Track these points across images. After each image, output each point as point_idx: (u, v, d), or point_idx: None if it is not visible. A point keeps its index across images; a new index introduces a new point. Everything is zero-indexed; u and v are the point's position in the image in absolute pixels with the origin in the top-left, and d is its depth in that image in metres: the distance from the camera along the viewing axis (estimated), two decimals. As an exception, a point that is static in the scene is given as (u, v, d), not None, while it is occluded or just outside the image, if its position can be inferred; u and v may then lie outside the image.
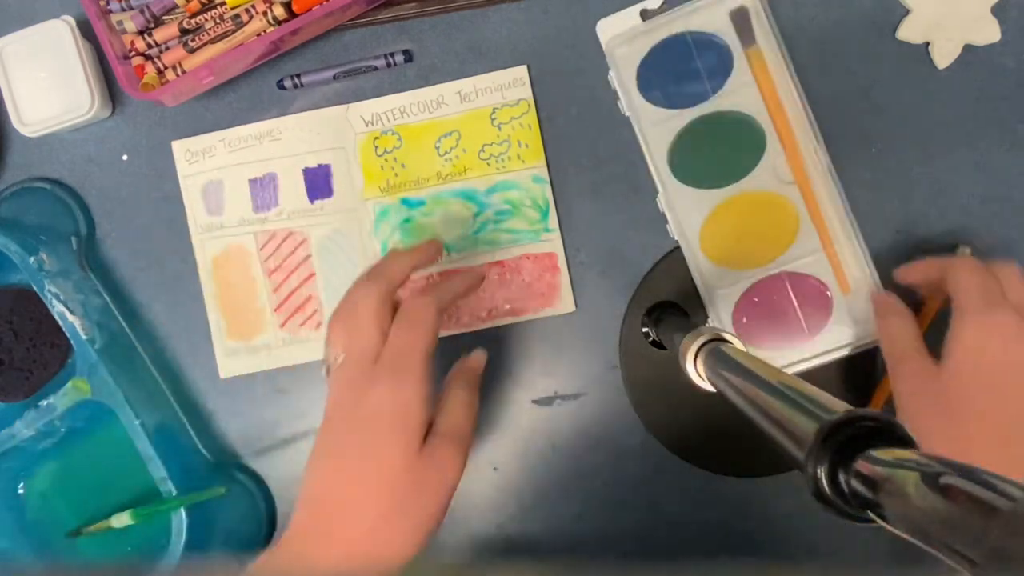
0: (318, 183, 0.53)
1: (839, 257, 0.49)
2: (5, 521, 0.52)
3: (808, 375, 0.50)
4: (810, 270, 0.50)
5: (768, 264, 0.50)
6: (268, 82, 0.53)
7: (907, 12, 0.50)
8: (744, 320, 0.50)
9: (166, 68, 0.49)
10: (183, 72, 0.48)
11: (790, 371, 0.50)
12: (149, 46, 0.49)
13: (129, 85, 0.47)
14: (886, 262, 0.50)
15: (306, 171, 0.53)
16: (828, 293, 0.50)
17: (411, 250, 0.45)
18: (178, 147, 0.53)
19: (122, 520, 0.49)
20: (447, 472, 0.38)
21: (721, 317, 0.50)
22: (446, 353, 0.53)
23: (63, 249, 0.51)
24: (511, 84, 0.52)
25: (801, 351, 0.50)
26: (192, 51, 0.49)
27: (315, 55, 0.53)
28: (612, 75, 0.50)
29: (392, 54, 0.51)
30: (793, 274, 0.50)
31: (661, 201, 0.50)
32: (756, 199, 0.50)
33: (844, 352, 0.50)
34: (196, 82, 0.48)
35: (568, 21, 0.51)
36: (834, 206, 0.49)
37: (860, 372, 0.51)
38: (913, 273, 0.47)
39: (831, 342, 0.50)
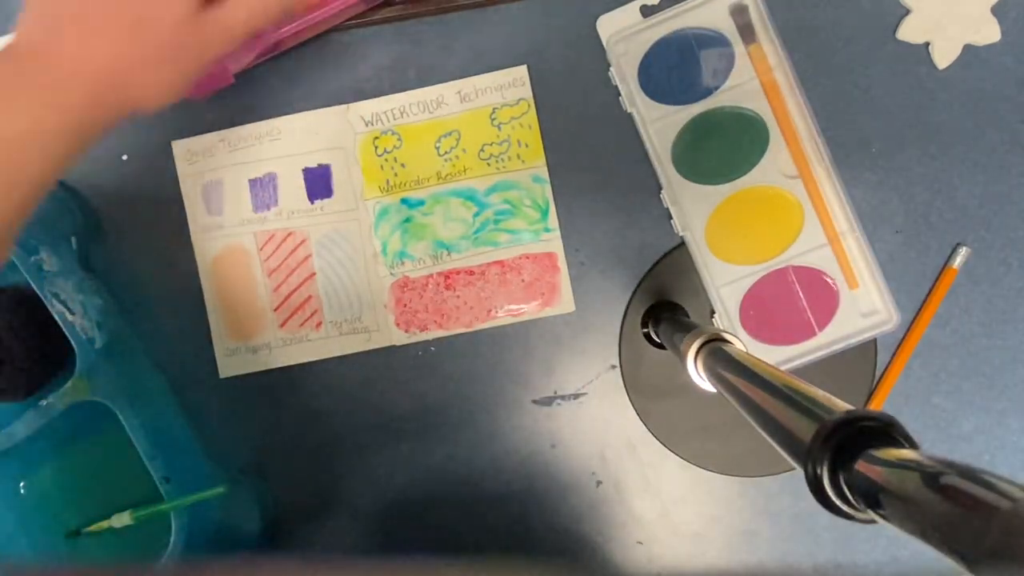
0: (318, 183, 0.53)
1: (845, 251, 0.49)
2: (5, 521, 0.52)
3: (808, 374, 0.50)
4: (816, 264, 0.50)
5: (774, 258, 0.50)
6: (268, 82, 0.53)
7: (907, 12, 0.50)
8: (752, 314, 0.50)
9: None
10: None
11: (798, 364, 0.50)
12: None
13: None
14: (886, 262, 0.51)
15: (306, 171, 0.53)
16: (834, 287, 0.50)
17: None
18: (178, 147, 0.53)
19: (122, 520, 0.49)
20: (211, 48, 0.38)
21: (728, 312, 0.50)
22: (447, 353, 0.53)
23: (63, 249, 0.51)
24: (511, 84, 0.52)
25: (808, 344, 0.50)
26: None
27: (315, 55, 0.53)
28: (613, 72, 0.50)
29: None
30: (799, 268, 0.50)
31: (665, 197, 0.50)
32: (760, 194, 0.50)
33: (852, 343, 0.49)
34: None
35: (568, 20, 0.51)
36: (838, 200, 0.49)
37: (860, 371, 0.51)
38: None
39: (838, 334, 0.50)
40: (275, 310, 0.53)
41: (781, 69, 0.49)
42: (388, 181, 0.52)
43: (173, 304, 0.54)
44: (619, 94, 0.50)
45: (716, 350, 0.35)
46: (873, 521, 0.22)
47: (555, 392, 0.53)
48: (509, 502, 0.53)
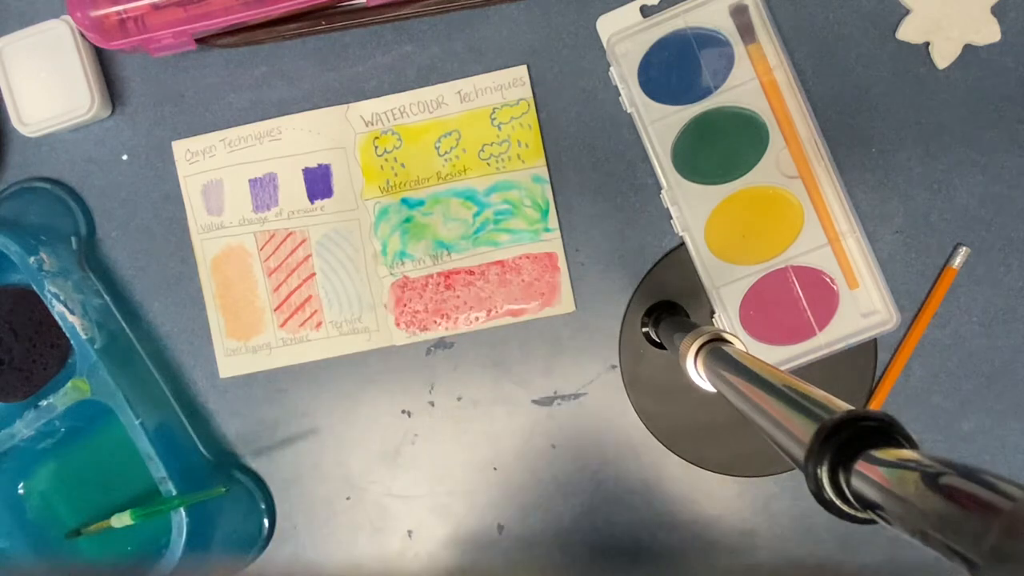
0: (318, 183, 0.53)
1: (845, 251, 0.49)
2: (5, 521, 0.52)
3: (808, 374, 0.50)
4: (816, 264, 0.50)
5: (774, 258, 0.50)
6: (268, 82, 0.53)
7: (907, 12, 0.50)
8: (751, 314, 0.50)
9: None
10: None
11: (797, 364, 0.50)
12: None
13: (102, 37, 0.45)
14: (886, 262, 0.51)
15: (306, 171, 0.53)
16: (834, 287, 0.50)
17: None
18: (178, 147, 0.53)
19: (122, 520, 0.49)
20: None
21: (728, 312, 0.50)
22: (447, 353, 0.53)
23: (63, 249, 0.51)
24: (511, 84, 0.52)
25: (808, 344, 0.50)
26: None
27: (315, 54, 0.53)
28: (613, 72, 0.50)
29: None
30: (799, 268, 0.50)
31: (665, 197, 0.50)
32: (760, 194, 0.50)
33: (851, 343, 0.49)
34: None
35: (568, 20, 0.51)
36: (838, 200, 0.49)
37: (860, 371, 0.51)
38: None
39: (838, 334, 0.50)
40: (275, 310, 0.53)
41: (781, 69, 0.49)
42: (388, 181, 0.52)
43: (173, 304, 0.54)
44: (619, 94, 0.50)
45: (716, 350, 0.35)
46: (873, 521, 0.22)
47: (555, 392, 0.53)
48: (508, 502, 0.53)
